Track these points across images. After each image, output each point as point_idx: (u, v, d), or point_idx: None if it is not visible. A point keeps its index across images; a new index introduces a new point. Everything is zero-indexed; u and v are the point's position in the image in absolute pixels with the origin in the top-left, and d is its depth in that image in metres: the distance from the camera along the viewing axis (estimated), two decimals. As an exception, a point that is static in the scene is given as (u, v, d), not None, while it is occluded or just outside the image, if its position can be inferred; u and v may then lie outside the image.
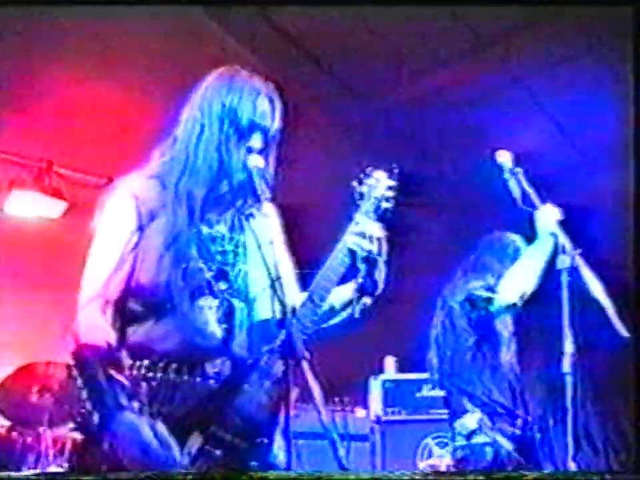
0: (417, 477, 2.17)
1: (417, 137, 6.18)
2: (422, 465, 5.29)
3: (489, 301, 3.81)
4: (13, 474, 4.47)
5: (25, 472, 5.06)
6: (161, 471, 2.00)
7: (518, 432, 3.79)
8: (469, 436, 3.79)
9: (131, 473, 1.97)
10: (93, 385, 2.07)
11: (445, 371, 4.03)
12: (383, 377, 5.72)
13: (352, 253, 2.26)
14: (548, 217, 3.35)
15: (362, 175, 2.35)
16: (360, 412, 5.77)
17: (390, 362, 6.02)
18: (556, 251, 3.16)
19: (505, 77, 5.56)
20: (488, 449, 3.74)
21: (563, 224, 3.20)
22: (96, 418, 2.03)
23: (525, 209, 3.23)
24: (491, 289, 3.84)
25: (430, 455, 5.34)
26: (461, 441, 3.83)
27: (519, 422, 3.82)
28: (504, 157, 3.35)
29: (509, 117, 5.97)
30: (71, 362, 2.14)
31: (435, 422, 5.39)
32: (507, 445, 3.74)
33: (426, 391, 5.55)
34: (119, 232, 2.26)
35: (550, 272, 3.27)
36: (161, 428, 2.06)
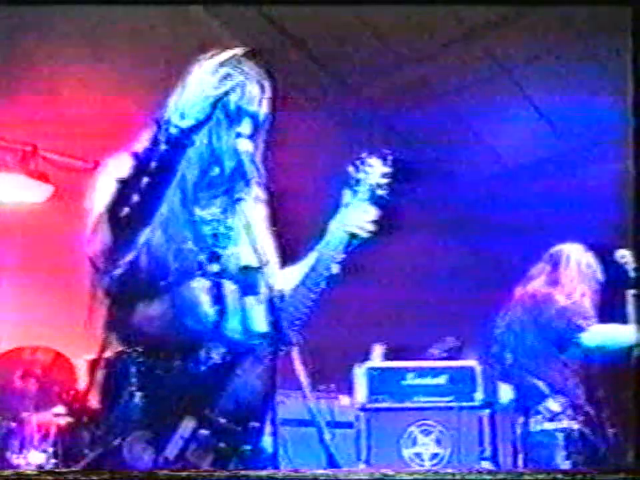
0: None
1: (403, 126, 6.19)
2: (406, 453, 5.30)
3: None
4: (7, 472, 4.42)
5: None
6: (149, 472, 2.00)
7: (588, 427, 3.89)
8: (552, 418, 3.87)
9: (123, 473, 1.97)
10: None
11: (518, 363, 4.14)
12: (368, 364, 5.72)
13: (350, 237, 2.28)
14: None
15: (357, 162, 2.35)
16: (345, 399, 5.77)
17: (378, 350, 6.01)
18: None
19: (492, 67, 5.57)
20: (561, 435, 3.84)
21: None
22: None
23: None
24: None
25: (414, 443, 5.34)
26: (539, 425, 3.92)
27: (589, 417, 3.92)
28: None
29: (495, 108, 5.99)
30: None
31: (420, 410, 5.40)
32: (586, 433, 3.83)
33: (411, 379, 5.55)
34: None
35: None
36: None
